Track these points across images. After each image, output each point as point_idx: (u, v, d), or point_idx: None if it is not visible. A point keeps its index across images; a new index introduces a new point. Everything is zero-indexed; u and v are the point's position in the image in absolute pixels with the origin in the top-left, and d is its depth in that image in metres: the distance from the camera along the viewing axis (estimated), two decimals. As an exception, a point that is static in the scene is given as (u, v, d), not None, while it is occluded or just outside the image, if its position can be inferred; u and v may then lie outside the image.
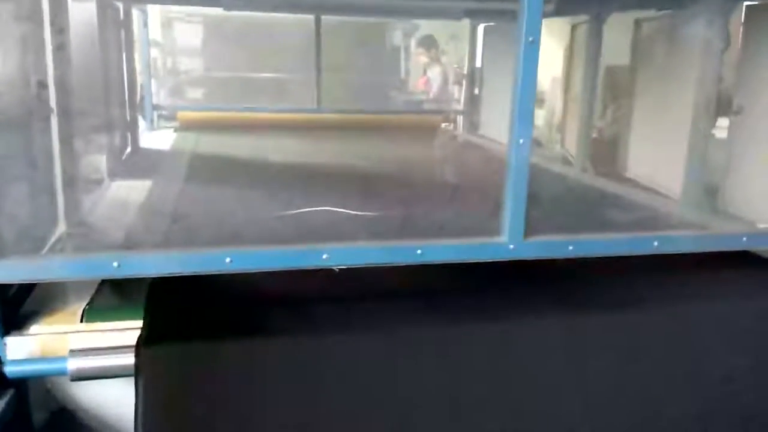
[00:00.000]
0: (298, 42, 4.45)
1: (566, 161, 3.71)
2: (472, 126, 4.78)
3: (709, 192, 2.59)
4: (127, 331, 1.52)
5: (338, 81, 4.65)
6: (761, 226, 1.99)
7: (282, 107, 4.40)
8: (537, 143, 5.29)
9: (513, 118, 1.58)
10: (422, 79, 5.74)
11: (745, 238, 1.77)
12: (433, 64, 5.76)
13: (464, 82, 4.89)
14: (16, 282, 1.51)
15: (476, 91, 4.73)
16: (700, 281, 1.82)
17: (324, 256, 1.50)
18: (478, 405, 1.52)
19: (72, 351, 1.45)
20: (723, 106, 2.63)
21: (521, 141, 1.57)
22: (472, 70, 4.81)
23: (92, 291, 1.67)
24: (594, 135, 4.13)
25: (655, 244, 1.70)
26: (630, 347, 1.63)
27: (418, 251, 1.56)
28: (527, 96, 1.55)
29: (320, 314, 1.55)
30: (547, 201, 2.34)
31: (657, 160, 2.98)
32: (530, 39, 1.51)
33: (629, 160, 3.27)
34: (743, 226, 2.03)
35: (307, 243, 1.51)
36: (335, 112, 4.43)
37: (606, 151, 3.47)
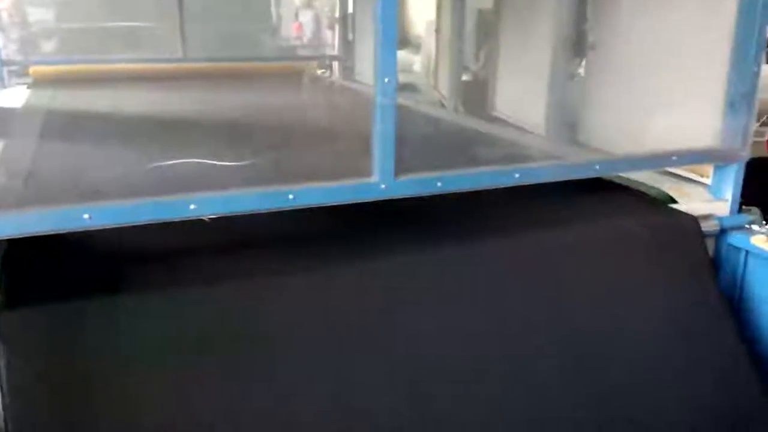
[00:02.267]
0: (157, -13, 4.20)
1: (441, 104, 3.79)
2: (348, 71, 4.75)
3: (570, 126, 2.74)
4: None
5: (205, 28, 4.44)
6: (613, 154, 2.12)
7: (144, 57, 4.16)
8: (414, 87, 5.36)
9: (376, 57, 1.58)
10: (295, 24, 5.62)
11: (597, 166, 1.89)
12: (305, 8, 5.63)
13: (337, 27, 4.82)
14: None
15: (350, 36, 4.69)
16: (560, 208, 1.94)
17: (191, 207, 1.45)
18: (350, 346, 1.55)
19: None
20: (583, 44, 2.76)
21: (386, 80, 1.58)
22: (345, 14, 4.75)
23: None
24: (469, 77, 4.24)
25: (517, 176, 1.79)
26: (495, 274, 1.71)
27: (290, 196, 1.55)
28: (388, 35, 1.56)
29: (189, 266, 1.51)
30: (420, 142, 2.39)
31: (523, 99, 3.10)
32: (387, -23, 1.51)
33: (498, 100, 3.39)
34: (596, 156, 2.16)
35: (172, 194, 1.46)
36: (203, 61, 4.25)
37: (478, 93, 3.57)
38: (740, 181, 2.06)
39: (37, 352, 1.32)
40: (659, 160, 2.02)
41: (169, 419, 1.36)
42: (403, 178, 1.67)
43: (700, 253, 1.95)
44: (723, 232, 2.04)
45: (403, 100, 3.80)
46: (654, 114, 2.33)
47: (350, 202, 1.63)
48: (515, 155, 2.17)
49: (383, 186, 1.65)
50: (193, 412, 1.38)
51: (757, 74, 2.00)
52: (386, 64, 1.57)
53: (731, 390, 1.84)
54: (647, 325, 1.83)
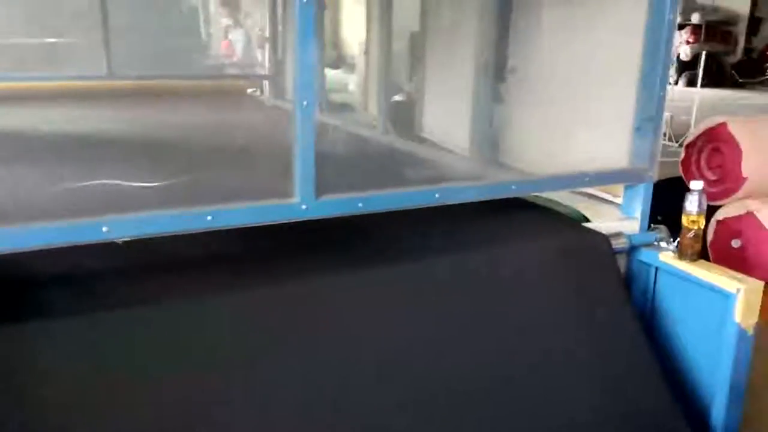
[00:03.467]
0: (81, 2, 4.09)
1: (373, 124, 3.83)
2: (278, 90, 4.75)
3: (492, 147, 2.82)
4: None
5: (131, 45, 4.36)
6: (529, 174, 2.20)
7: (66, 75, 4.03)
8: (349, 107, 5.39)
9: (295, 80, 1.59)
10: (224, 42, 5.58)
11: (513, 186, 1.96)
12: (235, 26, 5.60)
13: (267, 46, 4.82)
14: None
15: (279, 55, 4.69)
16: (476, 228, 1.99)
17: (104, 229, 1.42)
18: (274, 369, 1.54)
19: None
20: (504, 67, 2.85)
21: (305, 103, 1.59)
22: (275, 33, 4.75)
23: None
24: (402, 98, 4.30)
25: (437, 195, 1.83)
26: (420, 296, 1.74)
27: (208, 217, 1.54)
28: (307, 58, 1.57)
29: (104, 290, 1.47)
30: (345, 162, 2.41)
31: (448, 121, 3.17)
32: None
33: (426, 122, 3.45)
34: (513, 176, 2.23)
35: (82, 216, 1.42)
36: (128, 79, 4.16)
37: (408, 114, 3.63)
38: (649, 200, 2.16)
39: None
40: (572, 181, 2.10)
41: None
42: (324, 198, 1.68)
43: (612, 270, 2.03)
44: (633, 249, 2.13)
45: (334, 120, 3.85)
46: (570, 135, 2.42)
47: (271, 223, 1.63)
48: (436, 176, 2.21)
49: (304, 207, 1.66)
50: None
51: (662, 98, 2.12)
52: (304, 86, 1.59)
53: (645, 405, 1.91)
54: (560, 343, 1.88)
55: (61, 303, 1.41)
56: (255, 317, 1.55)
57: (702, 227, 2.00)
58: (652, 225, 2.16)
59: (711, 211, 3.98)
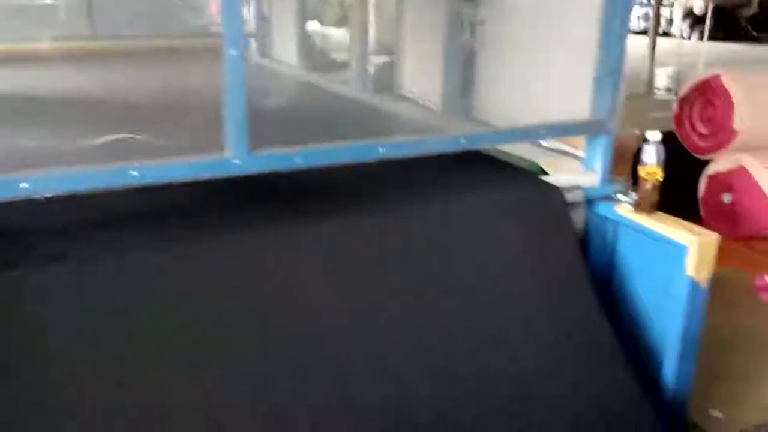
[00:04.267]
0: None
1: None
2: (265, 49, 4.69)
3: (463, 101, 2.76)
4: None
5: (115, 4, 4.31)
6: (484, 127, 2.14)
7: (48, 35, 4.01)
8: (343, 64, 5.30)
9: (225, 29, 1.56)
10: (213, 1, 5.49)
11: (463, 140, 1.91)
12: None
13: (253, 3, 4.74)
14: None
15: (265, 12, 4.62)
16: (433, 183, 1.95)
17: (23, 185, 1.41)
18: (222, 326, 1.54)
19: None
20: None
21: (232, 52, 1.56)
22: (261, -10, 4.67)
23: None
24: (389, 58, 4.21)
25: (381, 150, 1.79)
26: (361, 250, 1.72)
27: (134, 173, 1.52)
28: (233, 8, 1.54)
29: (24, 247, 1.47)
30: (307, 118, 2.37)
31: (424, 76, 3.11)
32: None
33: (405, 79, 3.39)
34: (468, 129, 2.17)
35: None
36: (112, 39, 4.12)
37: (389, 73, 3.56)
38: (609, 153, 2.11)
39: None
40: (528, 134, 2.06)
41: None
42: (258, 153, 1.66)
43: (565, 223, 2.00)
44: (592, 203, 2.09)
45: (317, 78, 3.79)
46: (534, 88, 2.37)
47: (203, 179, 1.61)
48: (395, 130, 2.17)
49: (237, 161, 1.64)
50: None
51: (623, 50, 2.05)
52: (232, 37, 1.55)
53: (597, 363, 1.89)
54: (512, 299, 1.86)
55: None
56: (179, 274, 1.55)
57: (660, 179, 1.95)
58: (611, 178, 2.12)
59: (703, 165, 3.90)
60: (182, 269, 1.55)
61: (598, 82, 2.06)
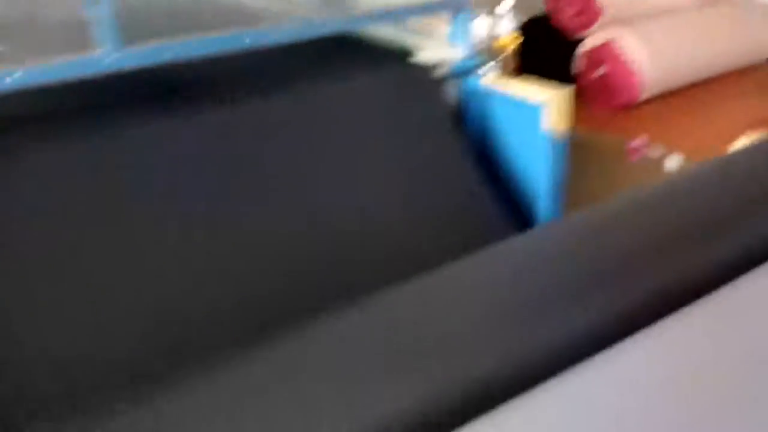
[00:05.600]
0: None
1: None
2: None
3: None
4: None
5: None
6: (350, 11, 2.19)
7: None
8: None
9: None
10: None
11: (327, 25, 1.99)
12: None
13: None
14: None
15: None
16: (298, 70, 2.03)
17: None
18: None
19: None
20: None
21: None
22: None
23: None
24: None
25: (247, 39, 1.86)
26: (226, 144, 1.79)
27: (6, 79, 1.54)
28: None
29: None
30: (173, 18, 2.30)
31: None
32: None
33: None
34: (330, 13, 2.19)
35: None
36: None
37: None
38: (470, 29, 2.24)
39: None
40: (391, 14, 2.15)
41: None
42: (128, 49, 1.70)
43: (435, 99, 2.15)
44: (459, 77, 2.24)
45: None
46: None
47: (72, 79, 1.64)
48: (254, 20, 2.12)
49: (107, 60, 1.68)
50: None
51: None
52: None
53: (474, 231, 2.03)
54: (386, 179, 1.98)
55: None
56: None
57: (513, 48, 2.12)
58: (473, 52, 2.26)
59: (577, 43, 4.12)
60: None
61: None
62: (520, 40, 2.11)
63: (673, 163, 2.74)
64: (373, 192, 1.93)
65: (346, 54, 2.19)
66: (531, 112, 2.08)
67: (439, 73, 2.17)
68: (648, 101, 3.84)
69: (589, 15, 4.01)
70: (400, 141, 2.04)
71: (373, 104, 2.01)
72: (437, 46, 2.27)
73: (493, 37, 2.09)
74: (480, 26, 2.24)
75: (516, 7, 2.57)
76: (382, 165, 1.98)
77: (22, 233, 1.54)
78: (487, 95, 2.22)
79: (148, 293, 1.58)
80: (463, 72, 2.23)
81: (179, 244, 1.66)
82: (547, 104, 2.05)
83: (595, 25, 4.00)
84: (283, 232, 1.77)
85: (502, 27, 2.09)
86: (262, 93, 1.92)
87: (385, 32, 2.31)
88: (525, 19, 2.96)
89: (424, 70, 2.12)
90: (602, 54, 4.02)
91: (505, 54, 2.12)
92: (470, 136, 2.25)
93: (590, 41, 4.06)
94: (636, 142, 3.52)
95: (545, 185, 2.15)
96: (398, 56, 2.21)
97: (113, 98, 1.82)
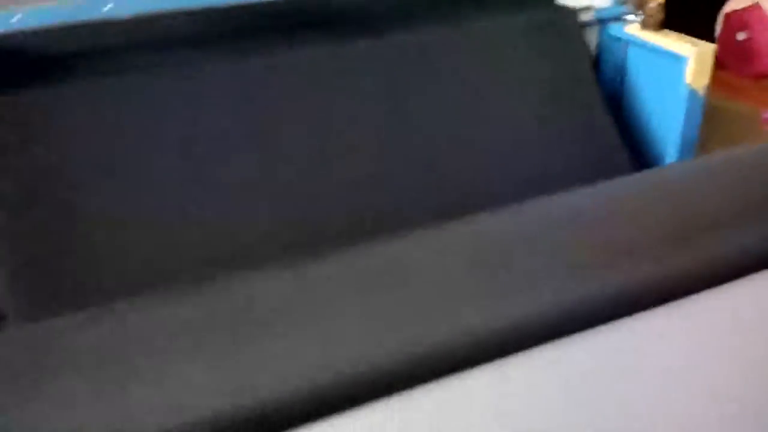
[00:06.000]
0: None
1: None
2: None
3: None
4: None
5: None
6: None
7: None
8: None
9: None
10: None
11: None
12: None
13: None
14: None
15: None
16: (442, 7, 2.05)
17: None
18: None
19: None
20: None
21: None
22: None
23: None
24: None
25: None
26: (374, 76, 1.85)
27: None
28: None
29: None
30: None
31: None
32: None
33: None
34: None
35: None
36: None
37: None
38: (619, -26, 2.23)
39: None
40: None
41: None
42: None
43: (579, 44, 2.17)
44: (602, 23, 2.25)
45: None
46: None
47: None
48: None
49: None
50: None
51: None
52: None
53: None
54: (523, 119, 2.02)
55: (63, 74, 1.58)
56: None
57: (660, 0, 2.10)
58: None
59: (722, 3, 3.94)
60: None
61: None
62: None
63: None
64: (512, 125, 1.98)
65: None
66: (674, 64, 2.08)
67: (584, 17, 2.18)
68: (790, 71, 3.64)
69: (739, -27, 3.81)
70: (539, 81, 2.07)
71: (518, 43, 2.05)
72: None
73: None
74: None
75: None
76: (525, 101, 2.02)
77: (200, 140, 1.66)
78: (629, 44, 2.22)
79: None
80: (608, 18, 2.23)
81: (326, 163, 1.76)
82: (691, 58, 2.03)
83: (744, -15, 3.81)
84: (433, 156, 1.85)
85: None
86: (413, 28, 1.97)
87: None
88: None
89: (570, 13, 2.14)
90: (746, 17, 3.83)
91: (652, 4, 2.10)
92: (606, 84, 2.26)
93: (734, 2, 3.87)
94: (771, 112, 3.38)
95: (677, 141, 2.15)
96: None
97: (267, 25, 1.86)
